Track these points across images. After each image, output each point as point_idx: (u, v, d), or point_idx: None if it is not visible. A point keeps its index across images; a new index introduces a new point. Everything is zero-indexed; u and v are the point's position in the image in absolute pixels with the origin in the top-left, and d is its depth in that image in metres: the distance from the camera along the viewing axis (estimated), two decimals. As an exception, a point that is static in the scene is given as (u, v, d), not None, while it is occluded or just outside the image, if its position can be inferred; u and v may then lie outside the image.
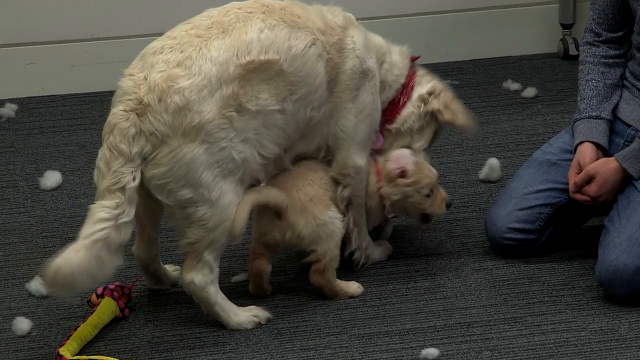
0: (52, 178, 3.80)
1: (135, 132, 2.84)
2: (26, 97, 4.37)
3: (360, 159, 3.15)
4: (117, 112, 2.87)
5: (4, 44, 4.39)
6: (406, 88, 3.27)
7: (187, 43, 2.91)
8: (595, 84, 3.27)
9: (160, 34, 3.01)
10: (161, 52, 2.91)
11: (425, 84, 3.30)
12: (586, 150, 3.20)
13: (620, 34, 3.29)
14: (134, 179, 2.83)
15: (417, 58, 3.31)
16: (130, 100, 2.86)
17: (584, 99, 3.27)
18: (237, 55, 2.92)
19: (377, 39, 3.24)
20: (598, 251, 3.12)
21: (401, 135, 3.28)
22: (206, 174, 2.89)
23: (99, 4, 4.38)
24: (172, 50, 2.91)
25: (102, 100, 4.25)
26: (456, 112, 3.25)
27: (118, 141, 2.84)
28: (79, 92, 4.38)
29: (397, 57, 3.26)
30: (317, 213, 3.07)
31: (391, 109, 3.26)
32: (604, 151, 3.21)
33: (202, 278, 2.95)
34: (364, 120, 3.15)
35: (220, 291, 3.01)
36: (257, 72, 2.95)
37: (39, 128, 4.19)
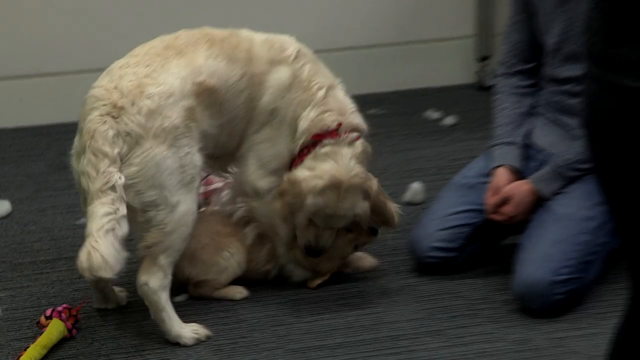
0: (1, 207, 3.76)
1: (113, 133, 2.87)
2: (-24, 131, 4.34)
3: (260, 182, 3.16)
4: (94, 118, 2.89)
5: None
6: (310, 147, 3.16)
7: (150, 60, 2.98)
8: (509, 112, 3.31)
9: (103, 69, 3.01)
10: (127, 67, 2.97)
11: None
12: (502, 174, 3.23)
13: (530, 65, 3.33)
14: (120, 177, 2.86)
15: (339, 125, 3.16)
16: (104, 105, 2.90)
17: (499, 126, 3.32)
18: (192, 74, 2.99)
19: (314, 88, 3.16)
20: (514, 267, 3.14)
21: None
22: (171, 178, 2.92)
23: (46, 40, 4.35)
24: (137, 65, 2.97)
25: (50, 133, 4.23)
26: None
27: (100, 144, 2.85)
28: (27, 125, 4.35)
29: (314, 113, 3.16)
30: (206, 258, 3.14)
31: (295, 160, 3.19)
32: (519, 174, 3.24)
33: (156, 282, 2.95)
34: (268, 148, 3.17)
35: (169, 300, 3.00)
36: (205, 94, 3.00)
37: (-11, 160, 4.16)
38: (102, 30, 4.32)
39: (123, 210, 2.84)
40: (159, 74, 2.95)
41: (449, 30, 4.55)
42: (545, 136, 3.30)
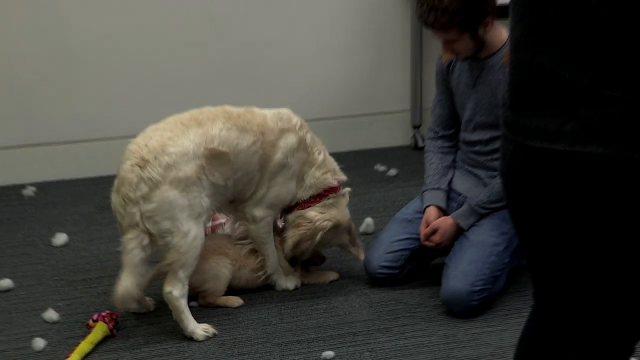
0: (60, 238, 3.71)
1: (137, 180, 2.85)
2: (42, 182, 4.29)
3: (257, 212, 3.14)
4: (126, 167, 2.89)
5: (24, 144, 4.30)
6: (318, 197, 3.20)
7: (175, 126, 2.97)
8: (435, 166, 3.30)
9: (134, 135, 3.00)
10: (157, 130, 2.97)
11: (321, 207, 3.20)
12: (431, 212, 3.22)
13: (451, 132, 3.33)
14: (141, 216, 2.87)
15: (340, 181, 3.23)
16: (135, 157, 2.89)
17: (429, 176, 3.30)
18: (205, 141, 2.95)
19: (316, 153, 3.18)
20: (441, 280, 3.12)
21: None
22: (182, 212, 2.88)
23: (93, 111, 4.32)
24: (165, 130, 2.96)
25: (96, 183, 4.20)
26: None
27: (127, 191, 2.86)
28: (80, 177, 4.31)
29: (319, 172, 3.18)
30: (200, 266, 3.06)
31: (302, 204, 3.19)
32: (443, 211, 3.23)
33: (177, 291, 2.91)
34: (271, 192, 3.13)
35: (187, 305, 2.97)
36: (215, 157, 2.96)
37: (51, 203, 4.10)
38: (140, 104, 4.28)
39: (146, 239, 2.87)
40: (179, 138, 2.92)
41: (390, 105, 4.55)
42: (462, 184, 3.28)
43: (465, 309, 3.04)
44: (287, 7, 4.33)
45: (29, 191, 4.19)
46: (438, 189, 3.25)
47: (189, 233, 2.89)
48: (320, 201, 3.17)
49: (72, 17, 4.16)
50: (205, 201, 2.93)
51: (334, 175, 3.21)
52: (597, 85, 1.67)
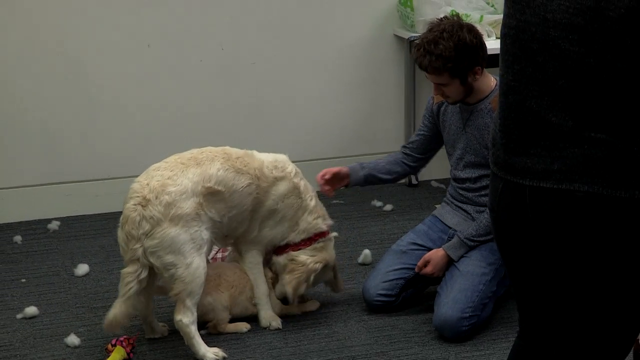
0: (82, 269, 3.73)
1: (140, 219, 2.90)
2: (65, 217, 4.29)
3: (247, 249, 3.15)
4: (130, 206, 2.95)
5: (49, 182, 4.30)
6: (307, 241, 3.18)
7: (176, 166, 3.01)
8: (381, 161, 3.36)
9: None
10: (158, 170, 3.01)
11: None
12: (343, 170, 3.27)
13: (416, 156, 3.35)
14: (143, 252, 2.90)
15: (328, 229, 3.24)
16: (137, 197, 2.94)
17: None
18: (203, 180, 2.97)
19: (309, 199, 3.15)
20: (434, 307, 3.15)
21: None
22: (184, 246, 2.92)
23: (111, 151, 4.31)
24: (165, 169, 3.00)
25: (116, 218, 4.17)
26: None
27: (130, 228, 2.91)
28: (100, 212, 4.28)
29: (311, 217, 3.16)
30: (200, 301, 3.01)
31: (293, 246, 3.18)
32: (347, 175, 3.26)
33: (187, 319, 2.95)
34: (262, 234, 3.16)
35: (197, 330, 3.00)
36: (212, 195, 2.98)
37: (73, 236, 4.12)
38: (151, 144, 4.29)
39: (144, 273, 2.92)
40: (178, 177, 2.96)
41: (386, 146, 4.52)
42: (452, 218, 3.31)
43: (455, 334, 3.07)
44: (288, 53, 4.40)
45: (54, 225, 4.18)
46: (362, 164, 3.32)
47: (192, 264, 2.93)
48: (310, 244, 3.17)
49: (88, 64, 4.24)
50: (205, 233, 3.00)
51: (324, 220, 3.22)
52: (582, 127, 1.69)
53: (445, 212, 3.34)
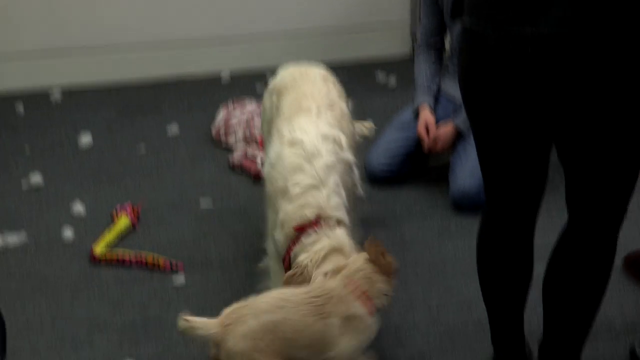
0: (86, 140, 3.69)
1: None
2: (67, 87, 4.22)
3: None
4: None
5: (50, 47, 4.23)
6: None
7: None
8: (425, 72, 3.34)
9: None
10: None
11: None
12: (426, 108, 3.28)
13: (438, 38, 3.33)
14: None
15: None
16: None
17: (419, 80, 3.34)
18: None
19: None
20: (449, 180, 3.16)
21: None
22: None
23: (113, 18, 4.25)
24: None
25: (116, 89, 4.16)
26: None
27: None
28: (102, 82, 4.24)
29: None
30: None
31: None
32: (433, 111, 3.28)
33: None
34: None
35: None
36: None
37: (76, 108, 4.06)
38: (160, 13, 4.18)
39: None
40: None
41: (390, 14, 4.40)
42: (455, 90, 3.30)
43: (474, 205, 3.04)
44: None
45: (56, 97, 4.17)
46: (429, 87, 3.31)
47: None
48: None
49: None
50: None
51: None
52: None
53: (447, 82, 3.34)
